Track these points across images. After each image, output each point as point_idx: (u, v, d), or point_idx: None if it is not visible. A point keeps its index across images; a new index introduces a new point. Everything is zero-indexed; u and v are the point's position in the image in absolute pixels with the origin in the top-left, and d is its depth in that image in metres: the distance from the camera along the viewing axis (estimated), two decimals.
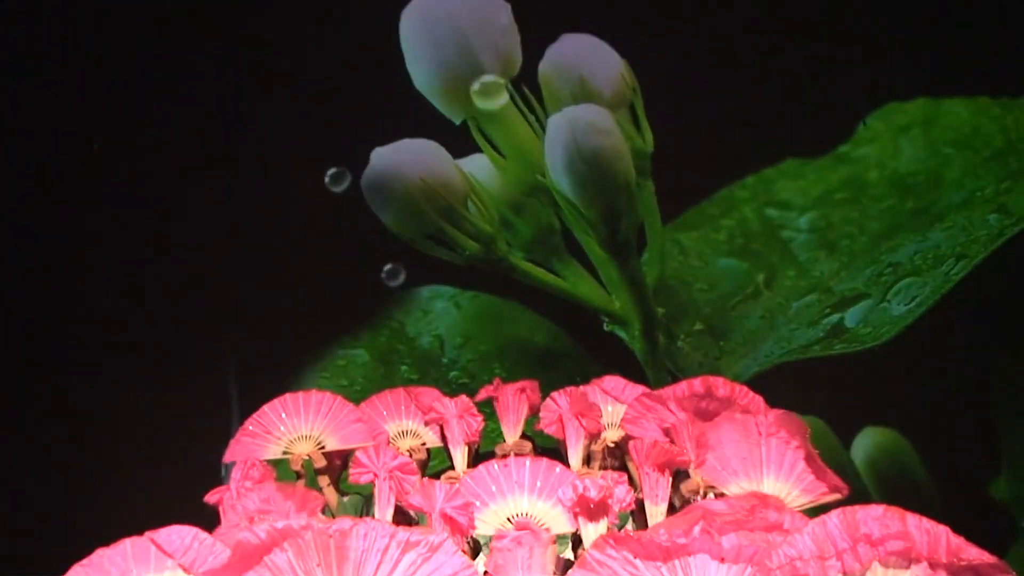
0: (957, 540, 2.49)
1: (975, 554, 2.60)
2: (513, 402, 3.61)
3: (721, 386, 3.41)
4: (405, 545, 2.62)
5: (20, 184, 4.22)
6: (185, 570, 2.48)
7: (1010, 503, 4.79)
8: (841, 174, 5.16)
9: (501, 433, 3.42)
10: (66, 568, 2.42)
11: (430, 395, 4.20)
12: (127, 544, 2.53)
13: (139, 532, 2.40)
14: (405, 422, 3.86)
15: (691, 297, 5.87)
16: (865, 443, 5.83)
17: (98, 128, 4.38)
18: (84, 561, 2.50)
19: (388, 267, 5.88)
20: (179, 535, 2.60)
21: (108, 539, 2.52)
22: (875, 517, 2.66)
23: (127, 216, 5.14)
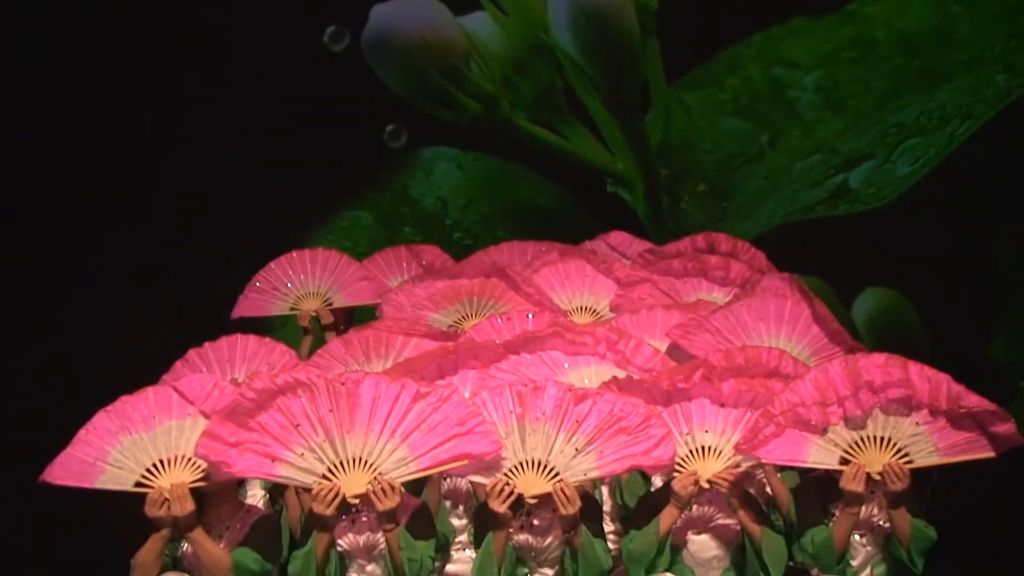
0: (958, 388, 2.52)
1: (975, 401, 2.65)
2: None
3: (723, 241, 3.44)
4: (415, 395, 2.67)
5: None
6: (205, 415, 2.52)
7: (1009, 364, 4.80)
8: (849, 32, 5.02)
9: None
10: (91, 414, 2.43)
11: (431, 252, 4.23)
12: (150, 392, 2.57)
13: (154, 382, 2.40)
14: (406, 279, 3.82)
15: (695, 158, 5.83)
16: (866, 304, 5.82)
17: None
18: (108, 407, 2.54)
19: (390, 128, 5.80)
20: (200, 383, 2.64)
21: (128, 388, 2.52)
22: (877, 365, 2.73)
23: (128, 81, 5.03)
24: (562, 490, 2.71)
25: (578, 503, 2.74)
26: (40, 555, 4.41)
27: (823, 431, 2.77)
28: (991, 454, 2.72)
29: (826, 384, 2.79)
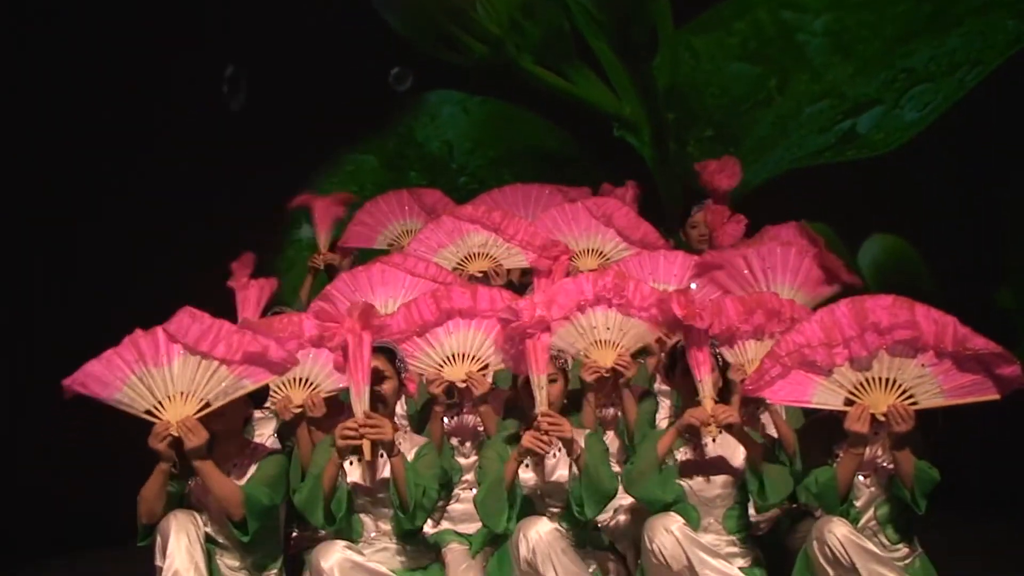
0: (964, 330, 2.53)
1: (981, 344, 2.66)
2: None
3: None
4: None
5: None
6: (206, 355, 2.55)
7: (1014, 312, 4.78)
8: None
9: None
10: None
11: (432, 196, 4.23)
12: (160, 332, 2.61)
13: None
14: (408, 222, 3.84)
15: (702, 102, 5.78)
16: (872, 250, 5.80)
17: None
18: (137, 334, 2.60)
19: (395, 71, 5.75)
20: (198, 326, 2.63)
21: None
22: (884, 306, 2.73)
23: (139, 29, 4.99)
24: None
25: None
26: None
27: (829, 372, 2.79)
28: (996, 396, 2.73)
29: (832, 325, 2.80)
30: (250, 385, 2.82)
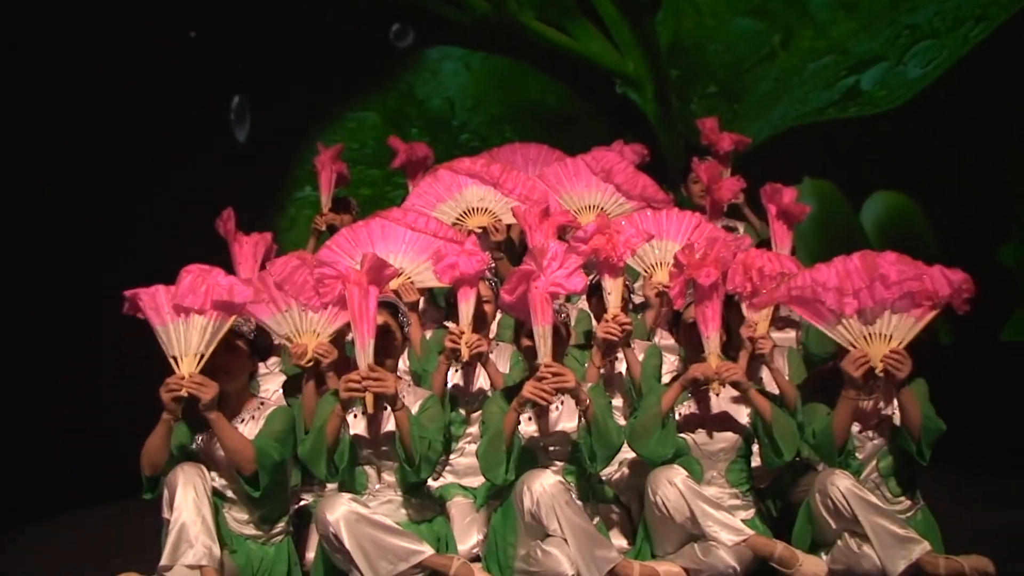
0: (966, 283, 2.50)
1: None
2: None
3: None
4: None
5: None
6: (200, 311, 2.52)
7: (1016, 269, 4.79)
8: None
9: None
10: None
11: (422, 148, 4.21)
12: (161, 289, 2.61)
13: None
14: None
15: (705, 59, 5.75)
16: (875, 207, 5.80)
17: None
18: (191, 275, 2.58)
19: (396, 27, 5.72)
20: (193, 284, 2.59)
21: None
22: (891, 262, 2.76)
23: None
24: None
25: None
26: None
27: (838, 319, 2.81)
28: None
29: (845, 275, 2.83)
30: (224, 327, 2.81)
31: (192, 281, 2.81)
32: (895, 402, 2.91)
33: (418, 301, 3.49)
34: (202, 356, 2.80)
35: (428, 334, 3.58)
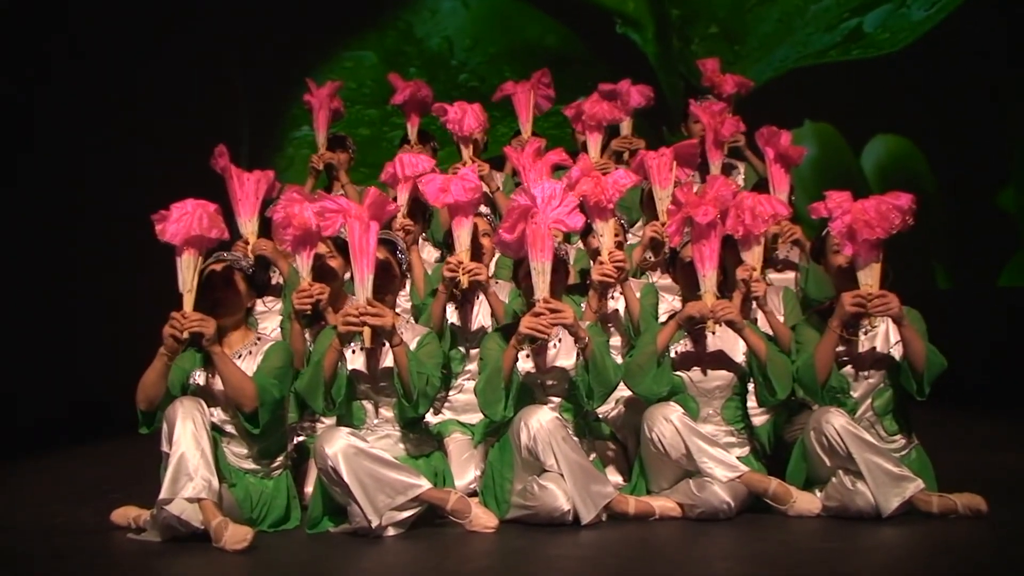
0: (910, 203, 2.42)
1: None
2: (526, 99, 3.64)
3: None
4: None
5: None
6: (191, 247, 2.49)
7: (1016, 214, 4.81)
8: None
9: (509, 137, 3.47)
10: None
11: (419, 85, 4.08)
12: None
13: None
14: None
15: None
16: (876, 150, 5.80)
17: None
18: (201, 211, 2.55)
19: None
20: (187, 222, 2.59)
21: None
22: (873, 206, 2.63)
23: None
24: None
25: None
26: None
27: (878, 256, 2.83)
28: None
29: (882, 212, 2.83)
30: (198, 262, 2.83)
31: (175, 217, 2.82)
32: (891, 340, 2.93)
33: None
34: (192, 292, 2.81)
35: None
